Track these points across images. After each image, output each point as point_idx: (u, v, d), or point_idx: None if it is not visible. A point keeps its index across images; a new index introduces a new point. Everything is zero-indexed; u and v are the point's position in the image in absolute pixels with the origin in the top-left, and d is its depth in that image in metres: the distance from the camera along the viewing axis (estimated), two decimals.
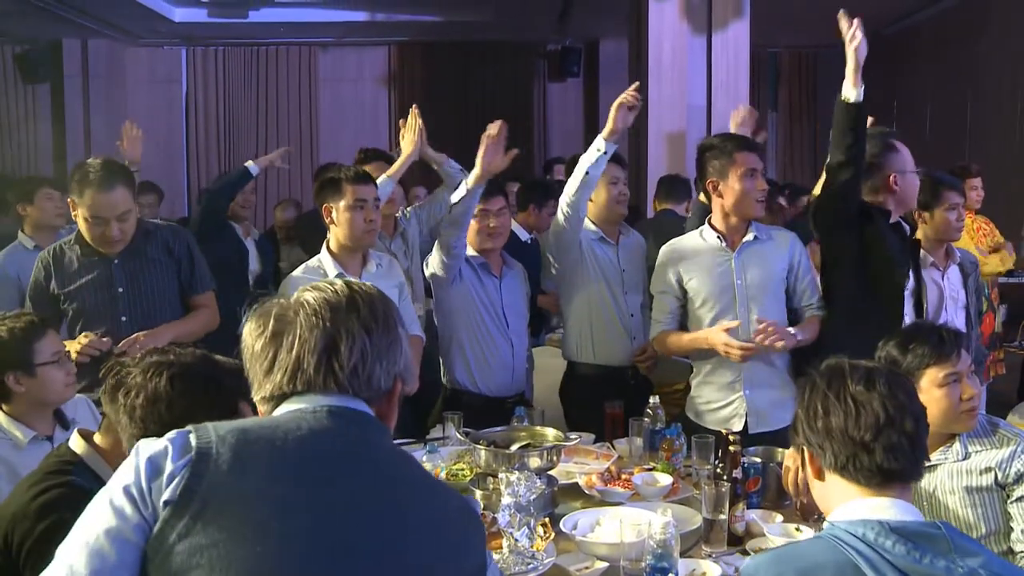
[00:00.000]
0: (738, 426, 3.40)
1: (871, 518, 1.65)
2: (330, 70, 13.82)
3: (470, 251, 3.93)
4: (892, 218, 3.57)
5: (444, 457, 3.22)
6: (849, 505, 1.72)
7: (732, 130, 4.33)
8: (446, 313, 3.97)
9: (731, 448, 2.80)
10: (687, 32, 8.91)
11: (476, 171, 3.70)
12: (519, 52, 14.22)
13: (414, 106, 4.41)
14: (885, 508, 1.68)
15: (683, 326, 3.63)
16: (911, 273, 3.56)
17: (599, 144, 3.71)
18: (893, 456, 1.70)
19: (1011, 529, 2.62)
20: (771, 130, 14.91)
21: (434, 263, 3.90)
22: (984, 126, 11.38)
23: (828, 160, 3.44)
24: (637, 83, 3.83)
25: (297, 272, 3.64)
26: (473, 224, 3.87)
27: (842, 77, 3.39)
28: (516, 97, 14.40)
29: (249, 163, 5.35)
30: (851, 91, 3.35)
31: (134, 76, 12.53)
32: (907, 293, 3.53)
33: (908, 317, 3.48)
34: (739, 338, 3.39)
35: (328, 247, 3.69)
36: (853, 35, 3.37)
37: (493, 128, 3.77)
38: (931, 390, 2.62)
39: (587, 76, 14.46)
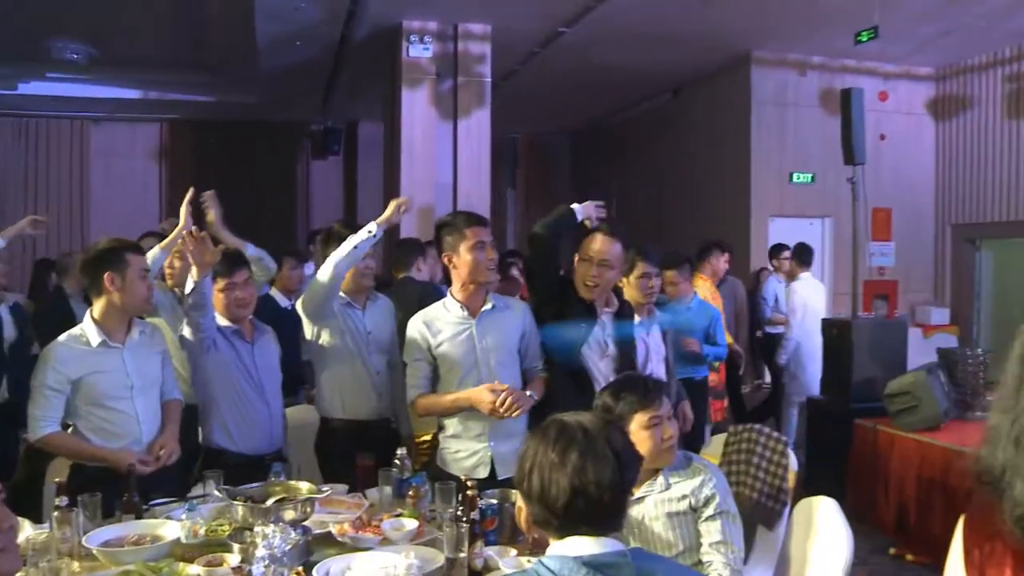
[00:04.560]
0: (484, 473, 3.47)
1: (568, 554, 1.72)
2: (102, 144, 13.14)
3: (222, 321, 3.81)
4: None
5: (204, 514, 3.09)
6: (556, 544, 1.78)
7: None
8: (203, 380, 3.81)
9: (469, 492, 2.86)
10: (436, 118, 9.12)
11: (195, 278, 3.55)
12: (285, 131, 14.10)
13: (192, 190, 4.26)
14: (584, 546, 1.74)
15: (435, 389, 3.64)
16: (612, 343, 3.78)
17: (372, 227, 3.80)
18: (579, 521, 1.75)
19: (701, 544, 2.82)
20: (510, 206, 15.45)
21: (187, 332, 3.75)
22: (689, 206, 12.22)
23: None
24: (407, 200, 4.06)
25: (61, 339, 3.45)
26: (221, 297, 3.77)
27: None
28: (282, 173, 14.22)
29: None
30: (579, 209, 3.73)
31: None
32: (609, 357, 3.75)
33: (607, 372, 3.69)
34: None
35: (91, 315, 3.49)
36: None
37: (190, 239, 3.57)
38: (639, 432, 2.80)
39: (347, 154, 14.50)
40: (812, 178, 10.69)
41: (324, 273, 3.82)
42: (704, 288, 6.79)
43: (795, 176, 10.69)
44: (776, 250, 8.54)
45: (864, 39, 8.99)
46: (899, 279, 11.08)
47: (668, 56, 10.48)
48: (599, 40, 9.60)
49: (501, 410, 3.34)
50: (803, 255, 7.86)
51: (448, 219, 3.69)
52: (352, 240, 3.79)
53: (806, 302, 7.57)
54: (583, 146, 15.18)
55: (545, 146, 15.50)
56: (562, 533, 1.76)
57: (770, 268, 9.74)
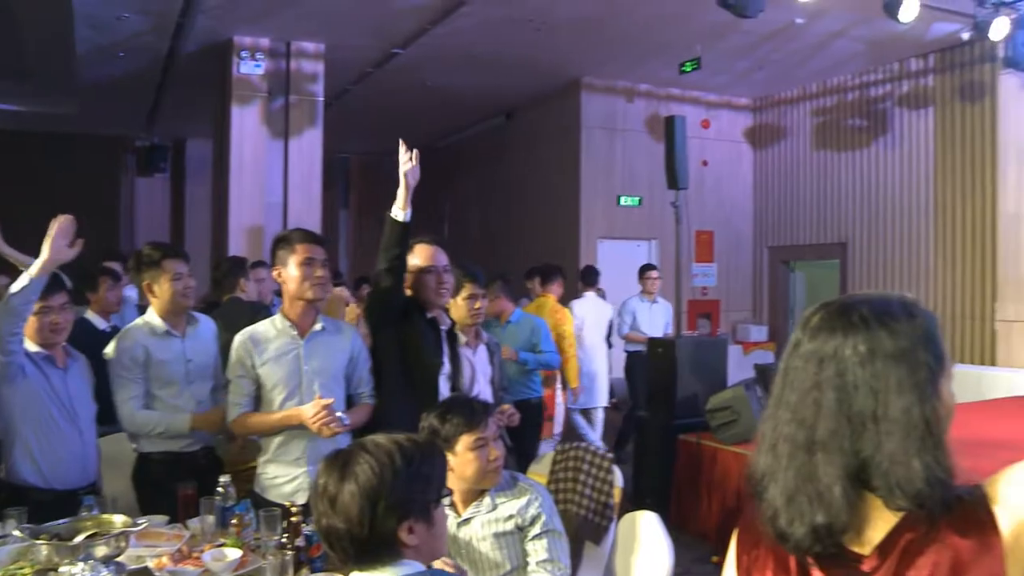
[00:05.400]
0: (303, 499, 3.34)
1: None
2: None
3: (32, 346, 3.56)
4: (430, 313, 3.78)
5: (1, 557, 2.88)
6: (355, 572, 1.76)
7: None
8: (8, 410, 3.53)
9: (293, 519, 2.80)
10: (266, 136, 8.97)
11: (44, 257, 3.29)
12: (106, 146, 13.49)
13: None
14: (379, 572, 1.72)
15: (258, 408, 3.54)
16: (446, 359, 3.78)
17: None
18: (343, 555, 1.74)
19: (528, 563, 2.86)
20: (342, 227, 15.29)
21: None
22: (521, 227, 12.40)
23: (376, 267, 3.57)
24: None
25: None
26: (34, 321, 3.51)
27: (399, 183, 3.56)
28: (103, 190, 13.59)
29: None
30: (400, 212, 3.50)
31: None
32: (445, 375, 3.75)
33: (446, 392, 3.68)
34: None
35: None
36: (407, 160, 3.54)
37: (62, 218, 3.36)
38: (465, 453, 2.82)
39: (174, 172, 14.03)
40: (639, 201, 11.08)
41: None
42: (557, 308, 7.13)
43: (622, 199, 11.06)
44: (643, 270, 8.79)
45: (688, 69, 9.45)
46: (721, 299, 11.67)
47: (501, 80, 10.66)
48: (433, 62, 9.67)
49: (317, 424, 3.28)
50: (587, 277, 8.35)
51: (284, 234, 3.62)
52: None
53: (584, 320, 7.86)
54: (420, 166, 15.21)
55: (378, 166, 15.42)
56: (344, 565, 1.75)
57: (603, 288, 10.03)
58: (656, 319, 8.52)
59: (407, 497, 1.74)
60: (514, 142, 12.47)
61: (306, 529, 2.84)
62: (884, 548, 1.22)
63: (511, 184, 12.55)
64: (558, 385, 7.26)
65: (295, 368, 3.48)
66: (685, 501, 6.09)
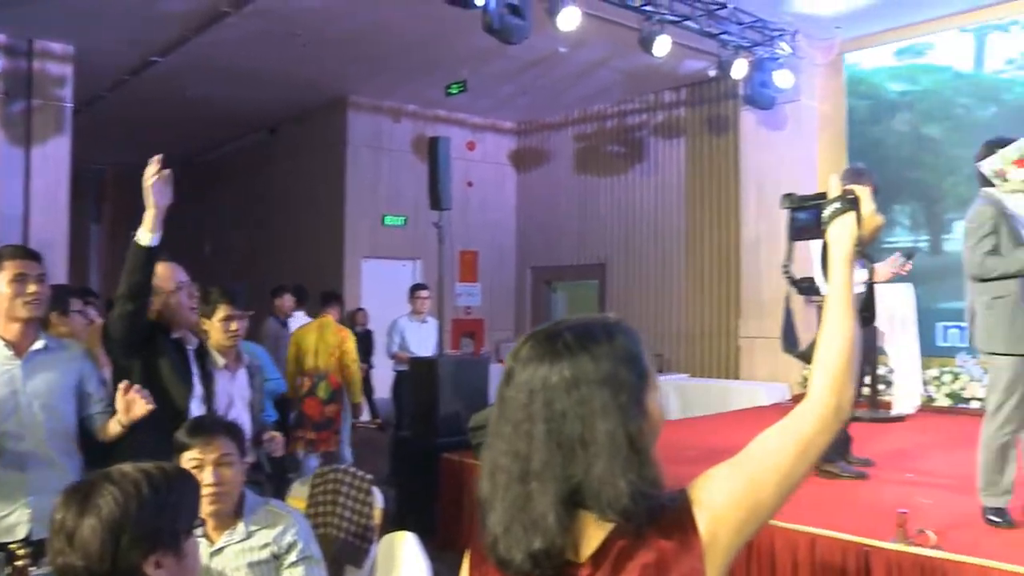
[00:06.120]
0: (23, 533, 3.11)
1: None
2: None
3: None
4: (174, 334, 3.61)
5: None
6: None
7: None
8: None
9: (19, 563, 2.57)
10: (3, 142, 8.33)
11: None
12: None
13: None
14: None
15: None
16: (197, 381, 3.62)
17: None
18: None
19: None
20: (94, 242, 14.38)
21: None
22: (284, 245, 12.13)
23: (117, 292, 3.38)
24: None
25: None
26: None
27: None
28: None
29: None
30: (146, 235, 3.33)
31: None
32: (199, 398, 3.58)
33: (199, 412, 3.53)
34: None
35: None
36: (152, 175, 3.37)
37: None
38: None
39: None
40: (404, 221, 11.13)
41: None
42: (339, 328, 7.23)
43: (387, 219, 11.07)
44: (414, 289, 8.77)
45: (454, 92, 9.61)
46: (485, 318, 11.89)
47: (265, 94, 10.41)
48: (194, 72, 9.31)
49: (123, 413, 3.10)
50: (299, 294, 8.43)
51: None
52: None
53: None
54: (176, 181, 14.54)
55: (135, 178, 14.52)
56: None
57: (365, 309, 10.02)
58: (426, 338, 8.56)
59: (155, 527, 1.64)
60: (278, 158, 12.21)
61: (35, 572, 2.62)
62: (597, 558, 1.28)
63: (275, 202, 12.28)
64: (346, 400, 7.25)
65: (10, 390, 3.23)
66: (450, 521, 6.13)
